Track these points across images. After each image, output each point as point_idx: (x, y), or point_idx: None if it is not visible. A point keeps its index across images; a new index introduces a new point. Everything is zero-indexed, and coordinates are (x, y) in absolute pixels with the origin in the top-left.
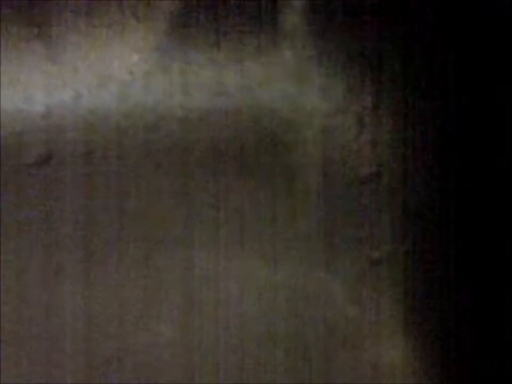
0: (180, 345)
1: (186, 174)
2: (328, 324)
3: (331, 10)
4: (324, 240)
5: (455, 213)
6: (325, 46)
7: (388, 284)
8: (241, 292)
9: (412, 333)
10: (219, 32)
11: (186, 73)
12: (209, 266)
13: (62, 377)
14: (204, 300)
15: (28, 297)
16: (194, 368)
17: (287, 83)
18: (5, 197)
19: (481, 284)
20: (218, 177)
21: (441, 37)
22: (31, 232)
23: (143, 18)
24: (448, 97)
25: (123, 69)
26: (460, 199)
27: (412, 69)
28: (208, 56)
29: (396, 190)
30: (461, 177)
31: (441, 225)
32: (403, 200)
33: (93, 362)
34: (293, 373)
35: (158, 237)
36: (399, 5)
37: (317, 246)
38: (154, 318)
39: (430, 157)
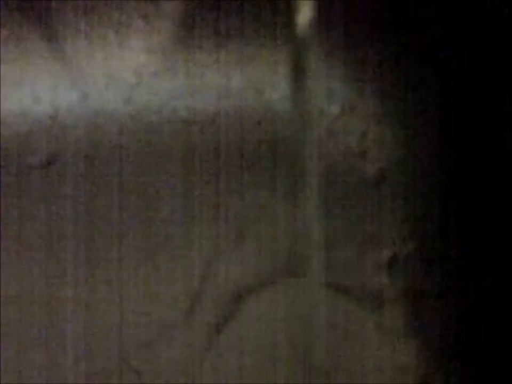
0: (181, 344)
1: (191, 175)
2: (331, 324)
3: (335, 13)
4: (326, 241)
5: (458, 215)
6: (330, 48)
7: (391, 285)
8: (241, 290)
9: (413, 334)
10: (225, 33)
11: (192, 75)
12: (209, 266)
13: (62, 376)
14: (204, 298)
15: (30, 298)
16: (195, 367)
17: (291, 84)
18: (11, 197)
19: (484, 286)
20: (222, 179)
21: (445, 40)
22: (36, 233)
23: (150, 20)
24: (453, 100)
25: (129, 70)
26: (463, 202)
27: (417, 72)
28: (214, 58)
29: (400, 193)
30: (465, 180)
31: (444, 227)
32: (407, 203)
33: (94, 362)
34: (294, 376)
35: (162, 238)
36: (402, 8)
37: (319, 247)
38: (156, 317)
39: (434, 159)
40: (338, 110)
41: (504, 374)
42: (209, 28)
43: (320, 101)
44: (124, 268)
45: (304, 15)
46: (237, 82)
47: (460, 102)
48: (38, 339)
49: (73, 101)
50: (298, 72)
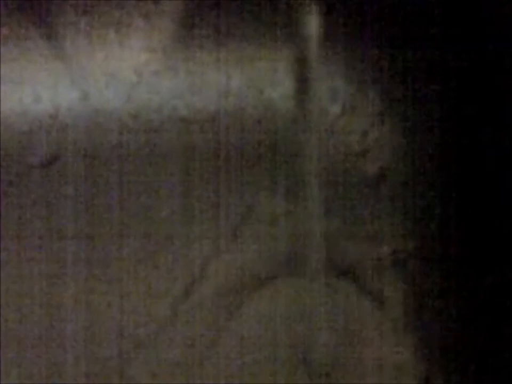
0: (181, 344)
1: (191, 175)
2: (331, 324)
3: (336, 12)
4: (326, 241)
5: (458, 215)
6: (331, 47)
7: (391, 284)
8: (241, 290)
9: (413, 334)
10: (225, 33)
11: (192, 74)
12: (209, 266)
13: (62, 376)
14: (204, 298)
15: (31, 298)
16: (194, 363)
17: (292, 84)
18: (11, 197)
19: (484, 286)
20: (222, 179)
21: (445, 40)
22: (36, 233)
23: (150, 19)
24: (453, 100)
25: (130, 69)
26: (463, 202)
27: (417, 72)
28: (214, 57)
29: (400, 192)
30: (465, 180)
31: (444, 227)
32: (407, 202)
33: (94, 362)
34: (294, 376)
35: (162, 238)
36: (403, 8)
37: (319, 247)
38: (156, 317)
39: (434, 159)
40: (339, 109)
41: (504, 374)
42: (209, 27)
43: (321, 100)
44: (124, 267)
45: (305, 14)
46: (237, 81)
47: (460, 102)
48: (38, 339)
49: (74, 100)
50: (298, 71)
